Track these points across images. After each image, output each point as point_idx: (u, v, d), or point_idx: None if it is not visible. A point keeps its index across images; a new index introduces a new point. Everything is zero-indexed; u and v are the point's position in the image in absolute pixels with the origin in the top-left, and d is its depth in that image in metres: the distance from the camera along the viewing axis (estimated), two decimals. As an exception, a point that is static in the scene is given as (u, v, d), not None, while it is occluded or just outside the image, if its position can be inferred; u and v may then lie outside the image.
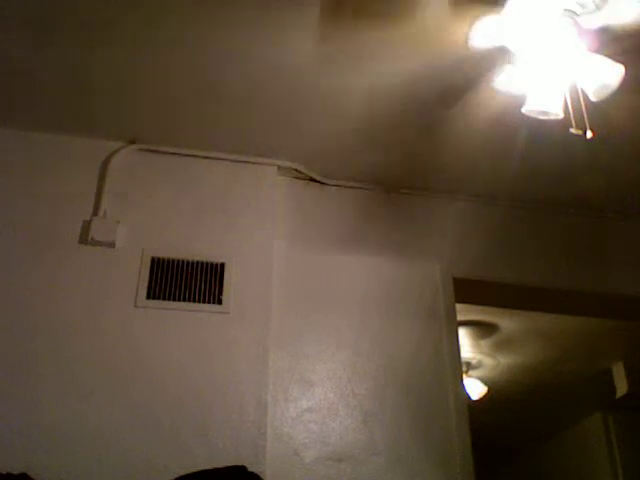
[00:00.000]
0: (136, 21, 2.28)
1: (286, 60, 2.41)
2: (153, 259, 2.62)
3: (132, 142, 2.85)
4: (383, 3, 2.22)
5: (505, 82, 2.39)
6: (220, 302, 2.59)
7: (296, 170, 3.01)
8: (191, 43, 2.36)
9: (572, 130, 2.16)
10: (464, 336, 4.36)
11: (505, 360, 4.87)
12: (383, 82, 2.50)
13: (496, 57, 2.31)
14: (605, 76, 2.04)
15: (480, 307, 3.85)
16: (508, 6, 2.12)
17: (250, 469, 2.14)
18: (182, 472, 2.11)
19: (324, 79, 2.49)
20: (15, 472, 2.03)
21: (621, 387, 4.80)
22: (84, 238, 2.61)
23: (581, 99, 2.17)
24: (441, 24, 2.24)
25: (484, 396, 4.89)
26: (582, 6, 2.08)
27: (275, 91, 2.57)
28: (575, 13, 2.08)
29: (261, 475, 2.16)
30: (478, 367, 4.91)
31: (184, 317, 2.54)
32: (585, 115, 2.17)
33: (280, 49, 2.36)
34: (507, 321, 4.31)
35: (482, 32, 2.21)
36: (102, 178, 2.75)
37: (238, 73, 2.49)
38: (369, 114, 2.67)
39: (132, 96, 2.61)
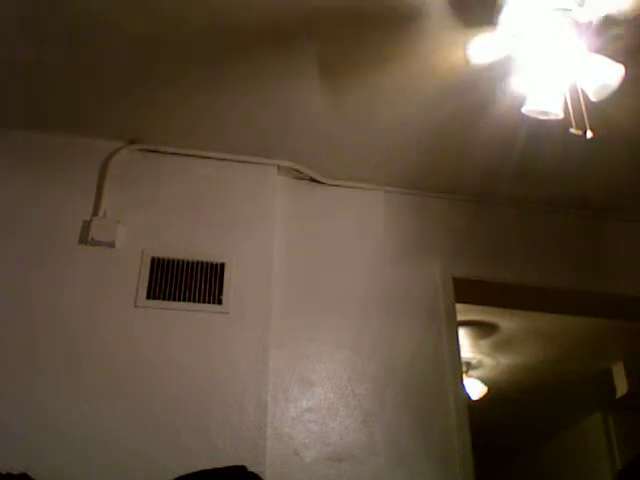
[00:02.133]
0: (136, 19, 2.28)
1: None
2: (153, 259, 2.62)
3: (132, 142, 2.85)
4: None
5: (500, 76, 2.39)
6: (220, 302, 2.59)
7: (296, 170, 3.01)
8: (192, 44, 2.36)
9: (572, 130, 2.16)
10: (464, 336, 4.36)
11: (505, 360, 4.87)
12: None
13: (501, 67, 2.32)
14: (605, 76, 2.04)
15: (480, 307, 3.85)
16: (504, 14, 2.12)
17: (250, 469, 2.13)
18: (182, 472, 2.10)
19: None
20: (15, 472, 2.03)
21: (621, 387, 4.80)
22: (84, 238, 2.61)
23: (581, 99, 2.17)
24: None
25: (484, 396, 4.89)
26: (584, 11, 2.08)
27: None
28: (572, 10, 2.08)
29: (261, 475, 2.15)
30: (478, 367, 4.91)
31: (184, 317, 2.54)
32: (585, 115, 2.17)
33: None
34: (507, 321, 4.31)
35: (480, 49, 2.21)
36: (102, 178, 2.75)
37: (240, 73, 2.50)
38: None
39: (132, 96, 2.61)
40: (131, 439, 2.27)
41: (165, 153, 2.87)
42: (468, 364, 4.80)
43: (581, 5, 2.08)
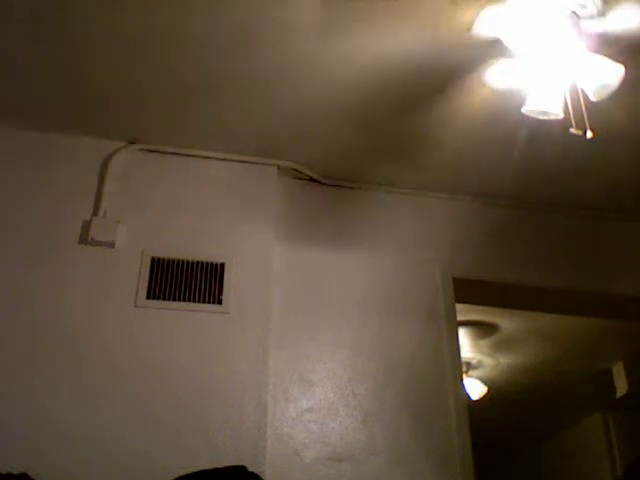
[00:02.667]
0: (136, 18, 2.28)
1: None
2: (153, 259, 2.62)
3: (132, 142, 2.85)
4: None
5: (500, 76, 2.38)
6: (220, 302, 2.59)
7: (296, 170, 3.01)
8: (192, 42, 2.37)
9: (572, 130, 2.16)
10: (464, 336, 4.36)
11: (505, 360, 4.87)
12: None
13: (496, 49, 2.29)
14: (605, 76, 2.04)
15: (480, 307, 3.85)
16: (504, 14, 2.12)
17: (250, 469, 2.13)
18: (182, 472, 2.10)
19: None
20: (15, 472, 2.03)
21: (621, 387, 4.80)
22: (84, 238, 2.61)
23: (581, 99, 2.17)
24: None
25: (484, 396, 4.89)
26: (584, 9, 2.08)
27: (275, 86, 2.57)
28: (577, 15, 2.08)
29: (261, 475, 2.15)
30: (478, 367, 4.91)
31: (184, 317, 2.54)
32: (585, 115, 2.17)
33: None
34: (507, 321, 4.31)
35: (486, 21, 2.19)
36: (102, 178, 2.75)
37: (240, 73, 2.49)
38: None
39: (132, 96, 2.61)
40: (131, 439, 2.27)
41: (165, 153, 2.87)
42: (468, 364, 4.80)
43: (581, 5, 2.08)
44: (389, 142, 2.87)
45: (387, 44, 2.34)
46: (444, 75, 2.47)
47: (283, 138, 2.84)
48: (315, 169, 3.03)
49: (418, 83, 2.52)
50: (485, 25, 2.21)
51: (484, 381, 4.94)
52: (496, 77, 2.40)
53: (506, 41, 2.19)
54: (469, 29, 2.22)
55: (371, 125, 2.76)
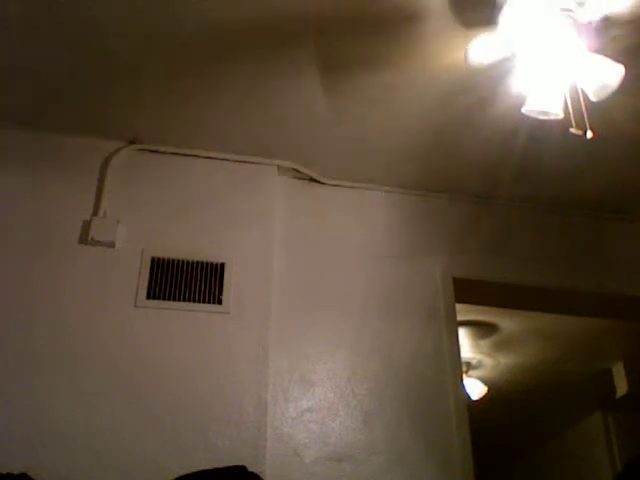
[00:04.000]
0: (136, 19, 2.28)
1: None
2: (153, 259, 2.62)
3: (132, 142, 2.85)
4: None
5: (500, 75, 2.38)
6: (220, 302, 2.59)
7: (296, 170, 3.01)
8: (192, 42, 2.36)
9: (572, 130, 2.16)
10: (464, 336, 4.36)
11: (505, 360, 4.87)
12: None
13: (501, 67, 2.31)
14: (605, 76, 2.04)
15: (480, 307, 3.85)
16: (504, 14, 2.12)
17: (250, 469, 2.14)
18: (182, 472, 2.10)
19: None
20: (15, 472, 2.03)
21: (621, 387, 4.80)
22: (84, 238, 2.61)
23: (581, 99, 2.17)
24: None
25: (484, 396, 4.89)
26: (584, 9, 2.07)
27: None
28: (577, 15, 2.08)
29: (261, 475, 2.15)
30: (478, 367, 4.91)
31: (184, 317, 2.54)
32: (585, 115, 2.16)
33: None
34: (507, 321, 4.31)
35: (481, 49, 2.20)
36: (102, 178, 2.75)
37: (239, 72, 2.49)
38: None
39: (132, 96, 2.61)
40: (131, 439, 2.27)
41: (165, 153, 2.87)
42: (468, 364, 4.80)
43: (581, 5, 2.08)
44: (389, 142, 2.87)
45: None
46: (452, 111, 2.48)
47: (283, 138, 2.84)
48: (315, 169, 3.03)
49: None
50: (482, 51, 2.21)
51: (484, 381, 4.94)
52: (496, 78, 2.40)
53: (506, 53, 2.19)
54: (465, 59, 2.23)
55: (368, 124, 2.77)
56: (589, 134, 2.12)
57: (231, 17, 2.25)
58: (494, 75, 2.41)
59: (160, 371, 2.41)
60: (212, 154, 2.90)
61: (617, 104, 2.34)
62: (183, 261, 2.65)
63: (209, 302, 2.58)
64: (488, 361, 4.86)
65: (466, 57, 2.18)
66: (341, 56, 2.42)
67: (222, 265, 2.67)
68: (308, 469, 2.44)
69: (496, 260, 3.11)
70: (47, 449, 2.21)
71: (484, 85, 2.48)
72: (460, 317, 3.10)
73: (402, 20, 2.25)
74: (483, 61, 2.23)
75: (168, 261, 2.64)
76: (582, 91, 2.13)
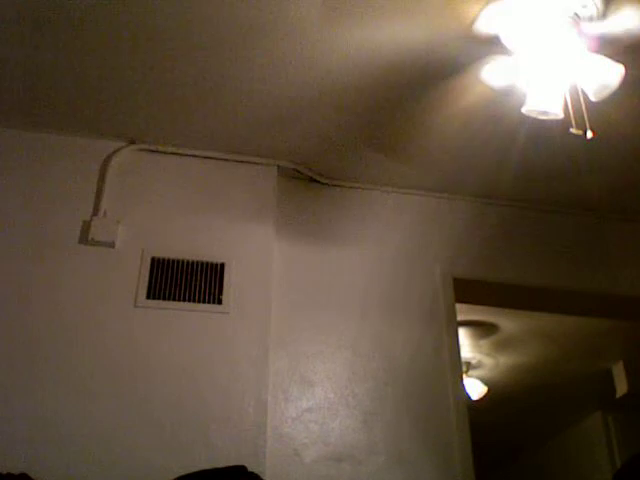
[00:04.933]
0: (136, 19, 2.28)
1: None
2: (153, 259, 2.62)
3: (132, 142, 2.85)
4: None
5: (500, 75, 2.37)
6: (220, 302, 2.59)
7: (296, 170, 3.01)
8: (192, 43, 2.37)
9: (572, 130, 2.16)
10: (464, 336, 4.36)
11: (505, 360, 4.87)
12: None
13: (496, 47, 2.27)
14: (605, 76, 2.04)
15: (480, 307, 3.85)
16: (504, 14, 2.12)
17: (250, 469, 2.14)
18: (182, 472, 2.11)
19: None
20: (15, 472, 2.03)
21: (621, 387, 4.80)
22: (84, 238, 2.61)
23: (581, 99, 2.17)
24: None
25: (484, 396, 4.89)
26: (585, 10, 2.07)
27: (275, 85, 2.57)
28: (577, 16, 2.08)
29: (261, 475, 2.16)
30: (478, 367, 4.91)
31: (184, 317, 2.54)
32: (585, 115, 2.16)
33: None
34: (507, 321, 4.31)
35: (488, 19, 2.18)
36: (102, 178, 2.75)
37: (239, 72, 2.49)
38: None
39: (132, 96, 2.61)
40: (131, 439, 2.27)
41: (165, 153, 2.87)
42: (468, 364, 4.80)
43: (582, 6, 2.08)
44: (389, 142, 2.87)
45: (387, 39, 2.33)
46: (444, 75, 2.46)
47: (283, 138, 2.84)
48: (315, 169, 3.03)
49: (418, 84, 2.52)
50: (487, 22, 2.20)
51: (484, 381, 4.94)
52: (496, 77, 2.40)
53: (506, 40, 2.19)
54: (472, 24, 2.21)
55: (371, 125, 2.76)
56: (589, 134, 2.12)
57: (231, 19, 2.25)
58: (494, 75, 2.41)
59: (160, 371, 2.41)
60: (212, 154, 2.90)
61: (617, 104, 2.33)
62: (183, 261, 2.65)
63: (209, 302, 2.58)
64: (488, 361, 4.86)
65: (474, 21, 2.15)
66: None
67: (222, 265, 2.67)
68: (308, 469, 2.44)
69: (496, 260, 3.11)
70: (47, 449, 2.21)
71: (484, 85, 2.47)
72: (460, 317, 3.10)
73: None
74: (483, 61, 2.23)
75: (168, 261, 2.64)
76: (582, 91, 2.13)
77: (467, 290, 3.05)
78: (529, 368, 4.93)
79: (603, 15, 2.14)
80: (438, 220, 3.14)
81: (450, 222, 3.15)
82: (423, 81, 2.51)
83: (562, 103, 2.12)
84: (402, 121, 2.73)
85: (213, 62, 2.45)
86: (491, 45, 2.27)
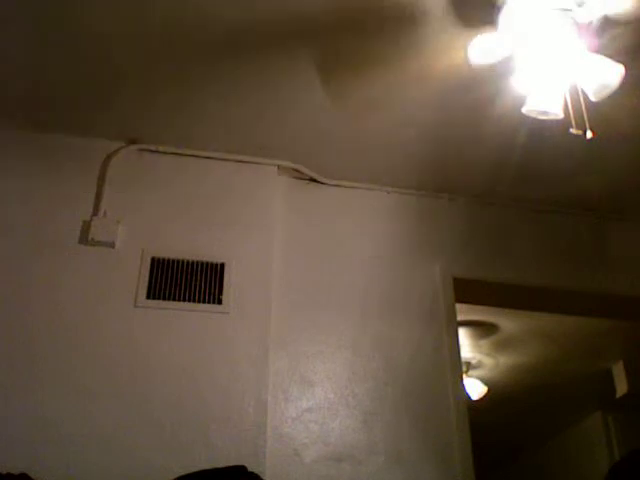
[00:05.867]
0: (136, 19, 2.28)
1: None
2: (153, 259, 2.62)
3: (132, 142, 2.85)
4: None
5: (499, 75, 2.38)
6: (220, 302, 2.59)
7: (296, 170, 3.01)
8: (192, 42, 2.36)
9: (572, 130, 2.16)
10: (464, 336, 4.36)
11: (505, 360, 4.87)
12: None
13: (501, 67, 2.30)
14: (605, 76, 2.04)
15: (480, 307, 3.85)
16: (504, 14, 2.12)
17: (250, 469, 2.14)
18: (182, 472, 2.11)
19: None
20: (15, 472, 2.03)
21: (621, 387, 4.80)
22: (84, 238, 2.61)
23: (581, 99, 2.17)
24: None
25: (484, 396, 4.89)
26: (584, 9, 2.07)
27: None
28: (572, 11, 2.08)
29: (261, 475, 2.16)
30: (478, 367, 4.91)
31: (184, 317, 2.54)
32: (585, 115, 2.16)
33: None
34: (507, 321, 4.31)
35: (481, 49, 2.19)
36: (102, 178, 2.75)
37: (239, 72, 2.49)
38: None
39: (132, 96, 2.61)
40: (131, 439, 2.27)
41: (165, 153, 2.87)
42: (468, 364, 4.80)
43: (581, 5, 2.08)
44: (388, 141, 2.87)
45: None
46: (444, 74, 2.47)
47: (283, 138, 2.84)
48: (315, 169, 3.03)
49: (418, 82, 2.52)
50: (482, 52, 2.20)
51: (484, 381, 4.94)
52: (480, 54, 2.39)
53: (506, 40, 2.19)
54: (465, 60, 2.21)
55: (370, 124, 2.76)
56: (589, 134, 2.12)
57: (231, 16, 2.25)
58: (494, 75, 2.41)
59: (160, 371, 2.41)
60: (212, 154, 2.90)
61: (617, 104, 2.33)
62: (183, 261, 2.65)
63: (209, 302, 2.58)
64: (488, 361, 4.86)
65: (466, 57, 2.18)
66: (342, 56, 2.42)
67: (222, 265, 2.67)
68: (308, 469, 2.44)
69: (496, 260, 3.11)
70: (47, 449, 2.21)
71: (484, 85, 2.48)
72: (460, 317, 3.10)
73: (402, 20, 2.25)
74: (483, 61, 2.22)
75: (168, 261, 2.64)
76: (582, 91, 2.13)
77: (467, 290, 3.05)
78: (529, 368, 4.93)
79: (603, 15, 2.14)
80: (438, 220, 3.14)
81: (450, 222, 3.15)
82: (423, 81, 2.51)
83: (562, 103, 2.12)
84: (400, 120, 2.73)
85: (214, 62, 2.45)
86: (494, 63, 2.28)
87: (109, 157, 2.80)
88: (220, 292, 2.61)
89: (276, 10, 2.22)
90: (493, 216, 3.21)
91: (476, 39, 2.15)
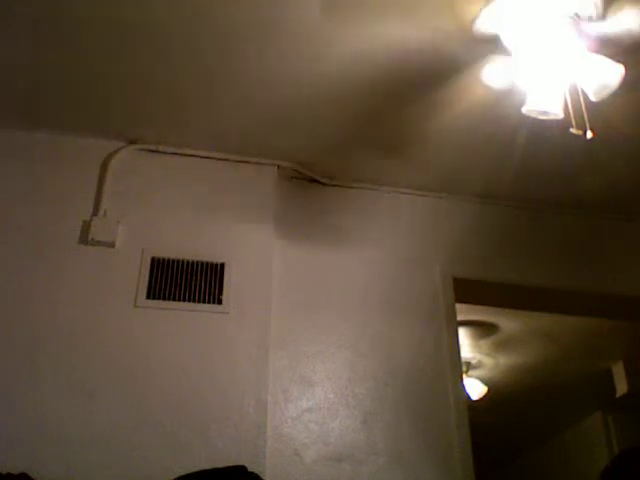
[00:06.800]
0: (137, 19, 2.28)
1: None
2: (153, 259, 2.62)
3: (132, 142, 2.85)
4: None
5: (500, 75, 2.36)
6: (220, 302, 2.59)
7: (296, 170, 3.01)
8: (192, 42, 2.37)
9: (572, 130, 2.16)
10: (464, 336, 4.36)
11: (505, 360, 4.87)
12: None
13: (496, 47, 2.26)
14: (605, 76, 2.04)
15: (480, 307, 3.85)
16: (505, 12, 2.12)
17: (250, 469, 2.14)
18: (182, 472, 2.11)
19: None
20: (15, 472, 2.03)
21: (621, 387, 4.80)
22: (84, 238, 2.61)
23: (581, 99, 2.17)
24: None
25: (484, 396, 4.89)
26: (585, 10, 2.07)
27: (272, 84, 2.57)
28: (577, 16, 2.08)
29: (261, 475, 2.16)
30: (478, 367, 4.91)
31: (184, 317, 2.54)
32: (585, 115, 2.16)
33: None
34: (507, 321, 4.31)
35: (488, 18, 2.18)
36: (102, 178, 2.75)
37: (239, 72, 2.49)
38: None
39: (132, 96, 2.61)
40: (131, 439, 2.27)
41: (165, 153, 2.87)
42: (468, 364, 4.80)
43: (582, 6, 2.08)
44: (389, 142, 2.87)
45: (387, 39, 2.32)
46: (444, 74, 2.47)
47: (283, 138, 2.84)
48: (315, 169, 3.03)
49: (417, 83, 2.52)
50: (487, 23, 2.19)
51: (484, 381, 4.94)
52: (496, 77, 2.40)
53: (506, 40, 2.19)
54: (471, 24, 2.20)
55: (371, 124, 2.76)
56: (589, 134, 2.13)
57: (232, 19, 2.25)
58: (494, 75, 2.41)
59: (160, 371, 2.41)
60: (212, 154, 2.90)
61: (617, 104, 2.33)
62: (183, 261, 2.65)
63: (209, 302, 2.58)
64: (488, 361, 4.86)
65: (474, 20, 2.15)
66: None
67: (222, 265, 2.67)
68: (308, 469, 2.44)
69: (496, 260, 3.11)
70: (47, 449, 2.21)
71: (484, 85, 2.47)
72: (460, 317, 3.10)
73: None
74: (483, 61, 2.23)
75: (168, 261, 2.64)
76: (582, 91, 2.13)
77: (467, 290, 3.05)
78: (529, 368, 4.93)
79: (603, 15, 2.14)
80: (438, 220, 3.14)
81: (450, 222, 3.15)
82: (422, 81, 2.51)
83: (562, 103, 2.12)
84: (402, 121, 2.73)
85: (214, 62, 2.45)
86: (491, 45, 2.27)
87: (109, 157, 2.80)
88: (220, 292, 2.61)
89: (277, 10, 2.22)
90: (493, 216, 3.21)
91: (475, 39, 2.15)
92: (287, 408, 2.54)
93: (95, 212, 2.67)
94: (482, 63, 2.34)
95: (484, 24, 2.21)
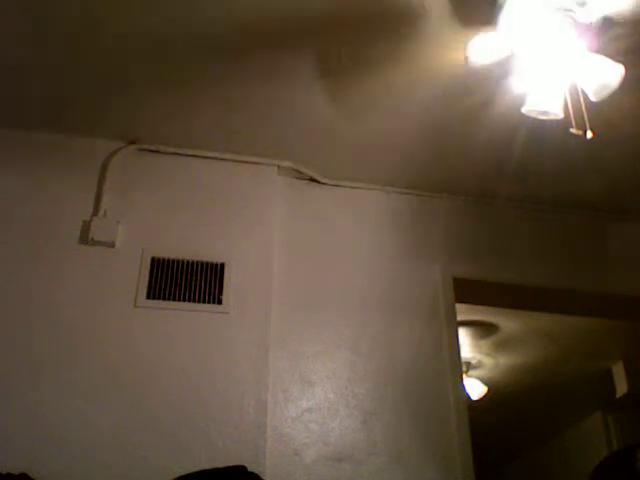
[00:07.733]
0: (137, 19, 2.28)
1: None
2: (153, 259, 2.62)
3: (132, 142, 2.85)
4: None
5: (499, 75, 2.37)
6: (220, 302, 2.59)
7: (296, 170, 3.01)
8: (192, 41, 2.36)
9: (572, 130, 2.16)
10: (464, 336, 4.36)
11: (505, 360, 4.87)
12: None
13: (501, 67, 2.29)
14: (605, 76, 2.04)
15: (480, 307, 3.85)
16: (504, 14, 2.12)
17: (250, 469, 2.14)
18: (182, 472, 2.11)
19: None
20: (15, 472, 2.03)
21: (621, 387, 4.80)
22: (84, 238, 2.61)
23: (581, 99, 2.17)
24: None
25: (484, 396, 4.89)
26: (584, 9, 2.07)
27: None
28: (572, 11, 2.08)
29: (261, 475, 2.16)
30: (478, 367, 4.91)
31: (184, 317, 2.54)
32: (585, 115, 2.16)
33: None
34: (507, 321, 4.31)
35: (480, 49, 2.18)
36: (102, 178, 2.75)
37: (239, 72, 2.49)
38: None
39: (132, 96, 2.61)
40: (131, 439, 2.27)
41: (165, 153, 2.87)
42: (468, 364, 4.80)
43: (581, 5, 2.08)
44: (389, 141, 2.87)
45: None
46: (444, 74, 2.47)
47: (283, 138, 2.84)
48: (315, 169, 3.03)
49: (417, 81, 2.52)
50: (481, 51, 2.19)
51: (484, 381, 4.94)
52: (496, 78, 2.40)
53: (505, 53, 2.19)
54: (465, 60, 2.21)
55: (369, 124, 2.76)
56: (589, 134, 2.12)
57: (232, 19, 2.25)
58: (494, 75, 2.41)
59: (160, 371, 2.41)
60: (212, 154, 2.90)
61: (617, 104, 2.33)
62: (183, 261, 2.65)
63: (209, 302, 2.58)
64: (488, 361, 4.86)
65: (466, 57, 2.18)
66: (341, 57, 2.41)
67: (222, 265, 2.67)
68: (308, 469, 2.45)
69: (496, 260, 3.11)
70: (47, 449, 2.21)
71: (484, 85, 2.48)
72: (460, 317, 3.10)
73: (402, 20, 2.24)
74: (483, 61, 2.22)
75: (168, 261, 2.64)
76: (582, 91, 2.13)
77: (467, 290, 3.05)
78: (529, 368, 4.93)
79: (603, 15, 2.14)
80: (438, 220, 3.14)
81: (450, 222, 3.15)
82: (423, 81, 2.51)
83: (562, 103, 2.12)
84: (400, 120, 2.73)
85: (214, 62, 2.45)
86: (494, 62, 2.27)
87: (109, 157, 2.80)
88: (220, 292, 2.61)
89: (275, 12, 2.22)
90: (493, 216, 3.21)
91: (476, 39, 2.15)
92: (287, 408, 2.54)
93: (95, 212, 2.67)
94: (483, 65, 2.34)
95: (480, 43, 2.21)
